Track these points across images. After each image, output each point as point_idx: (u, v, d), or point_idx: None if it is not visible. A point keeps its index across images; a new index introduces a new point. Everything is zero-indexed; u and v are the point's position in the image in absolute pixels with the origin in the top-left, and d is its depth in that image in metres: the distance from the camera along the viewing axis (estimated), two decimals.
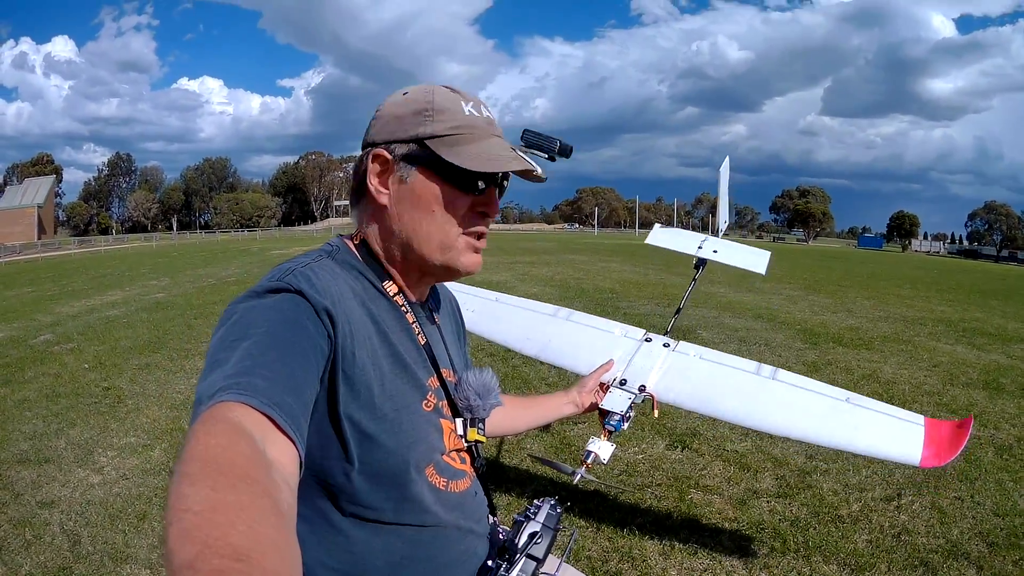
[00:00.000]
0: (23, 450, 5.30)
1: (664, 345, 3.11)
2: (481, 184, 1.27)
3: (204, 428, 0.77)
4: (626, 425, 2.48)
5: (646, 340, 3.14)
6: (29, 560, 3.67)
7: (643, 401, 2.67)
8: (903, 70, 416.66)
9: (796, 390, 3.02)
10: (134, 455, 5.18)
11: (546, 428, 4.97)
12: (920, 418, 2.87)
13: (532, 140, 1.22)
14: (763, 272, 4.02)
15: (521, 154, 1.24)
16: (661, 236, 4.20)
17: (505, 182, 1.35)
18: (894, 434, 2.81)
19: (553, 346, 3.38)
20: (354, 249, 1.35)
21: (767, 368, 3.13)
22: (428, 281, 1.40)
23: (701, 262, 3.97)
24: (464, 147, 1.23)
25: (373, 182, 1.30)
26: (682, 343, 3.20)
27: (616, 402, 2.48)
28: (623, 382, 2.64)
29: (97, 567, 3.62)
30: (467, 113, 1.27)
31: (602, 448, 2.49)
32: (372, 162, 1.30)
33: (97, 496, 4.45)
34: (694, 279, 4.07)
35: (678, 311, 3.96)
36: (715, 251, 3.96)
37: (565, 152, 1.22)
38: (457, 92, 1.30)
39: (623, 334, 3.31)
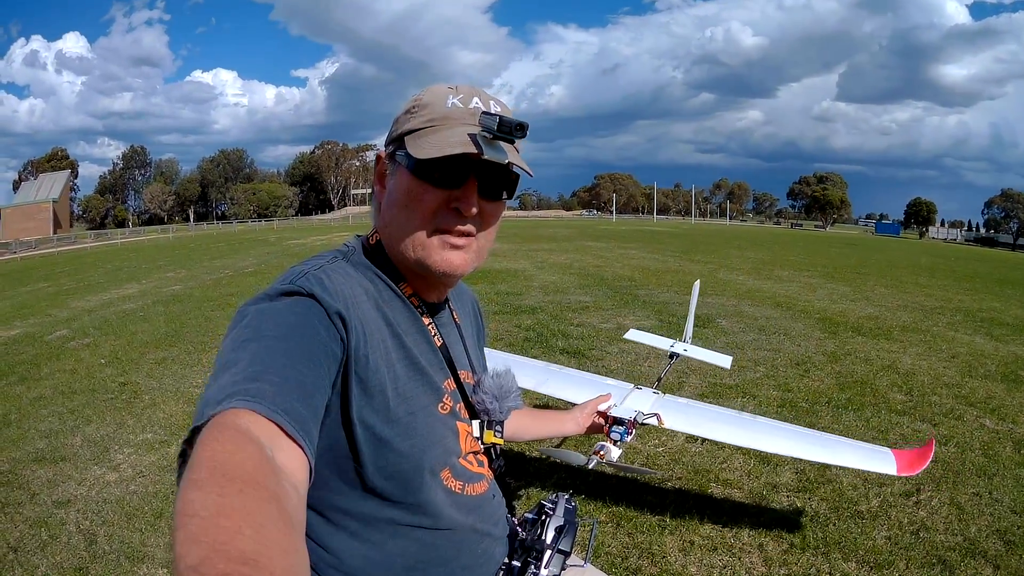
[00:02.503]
0: (39, 448, 5.32)
1: (653, 392, 3.61)
2: (438, 176, 1.21)
3: (212, 435, 0.76)
4: (629, 438, 2.68)
5: (636, 388, 3.57)
6: (45, 560, 3.68)
7: (644, 423, 2.94)
8: (917, 56, 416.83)
9: (777, 426, 3.78)
10: (151, 452, 5.19)
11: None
12: (887, 450, 3.49)
13: (485, 123, 1.17)
14: (728, 367, 4.87)
15: (481, 141, 1.17)
16: (638, 336, 4.97)
17: (506, 184, 1.28)
18: (868, 454, 3.49)
19: (551, 382, 3.85)
20: (370, 250, 1.34)
21: (747, 414, 3.90)
22: (431, 281, 1.35)
23: (674, 354, 4.55)
24: (428, 138, 1.20)
25: (376, 184, 1.35)
26: (668, 395, 3.78)
27: (624, 412, 2.71)
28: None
29: (114, 567, 3.62)
30: (448, 106, 1.24)
31: (611, 449, 2.72)
32: (376, 164, 1.35)
33: (113, 494, 4.46)
34: (670, 364, 4.66)
35: (659, 380, 4.40)
36: (685, 350, 4.59)
37: (508, 127, 1.17)
38: (453, 87, 1.27)
39: (615, 384, 3.85)
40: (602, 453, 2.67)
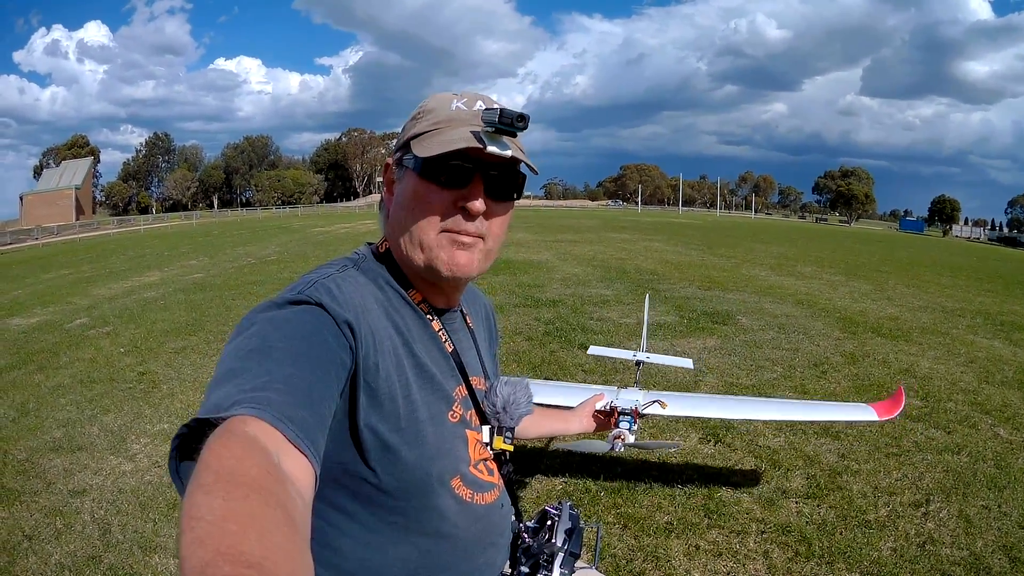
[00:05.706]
0: (56, 438, 5.40)
1: (638, 389, 3.68)
2: (444, 178, 1.22)
3: (219, 441, 0.77)
4: (636, 426, 2.71)
5: (622, 388, 3.58)
6: (60, 549, 3.74)
7: (645, 412, 3.05)
8: (940, 51, 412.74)
9: (767, 400, 4.61)
10: (167, 442, 5.14)
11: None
12: (865, 404, 4.01)
13: (487, 118, 1.19)
14: (691, 367, 5.32)
15: (484, 136, 1.19)
16: (600, 351, 5.86)
17: (512, 185, 1.29)
18: (849, 410, 4.28)
19: (542, 390, 4.02)
20: (380, 257, 1.35)
21: (732, 396, 4.55)
22: (440, 285, 1.35)
23: (639, 362, 4.68)
24: (433, 139, 1.21)
25: (384, 191, 1.36)
26: (653, 390, 3.85)
27: (625, 403, 2.74)
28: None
29: (127, 556, 3.68)
30: (452, 108, 1.25)
31: (627, 435, 2.71)
32: (384, 172, 1.35)
33: (129, 484, 4.53)
34: (638, 370, 4.72)
35: (636, 383, 4.43)
36: (648, 357, 4.75)
37: (509, 118, 1.18)
38: (457, 93, 1.29)
39: (599, 388, 3.90)
40: (622, 437, 2.69)
